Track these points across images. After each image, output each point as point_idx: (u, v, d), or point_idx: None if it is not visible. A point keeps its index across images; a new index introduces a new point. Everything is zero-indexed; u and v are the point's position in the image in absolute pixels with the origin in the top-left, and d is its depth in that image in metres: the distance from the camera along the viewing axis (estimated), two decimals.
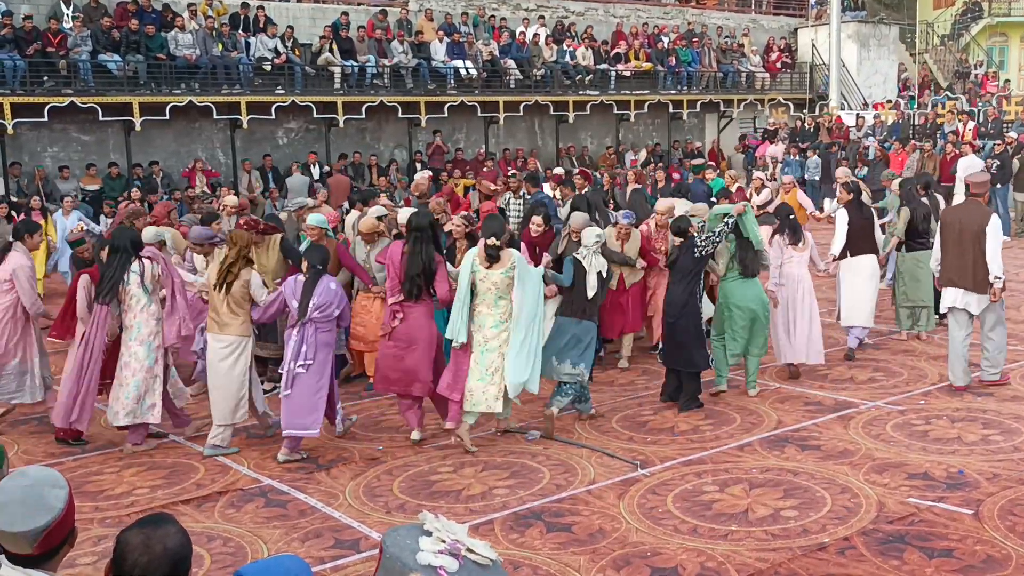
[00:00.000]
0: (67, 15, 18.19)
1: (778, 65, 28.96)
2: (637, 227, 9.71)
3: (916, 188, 10.74)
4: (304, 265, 7.26)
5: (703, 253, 8.11)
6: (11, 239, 8.16)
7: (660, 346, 9.05)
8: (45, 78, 17.50)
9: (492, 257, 7.15)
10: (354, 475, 6.85)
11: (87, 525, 5.96)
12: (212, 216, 9.94)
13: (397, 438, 7.65)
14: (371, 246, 8.86)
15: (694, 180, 15.00)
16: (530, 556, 5.43)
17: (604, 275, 7.79)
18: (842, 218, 9.86)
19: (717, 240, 8.14)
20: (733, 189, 14.16)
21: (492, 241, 7.14)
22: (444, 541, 2.12)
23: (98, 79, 18.03)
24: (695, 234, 8.23)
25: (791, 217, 9.18)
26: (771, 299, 8.69)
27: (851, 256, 9.84)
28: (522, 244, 9.06)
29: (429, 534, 2.15)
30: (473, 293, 7.27)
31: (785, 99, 28.60)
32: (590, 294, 7.67)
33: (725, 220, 8.25)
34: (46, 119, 17.57)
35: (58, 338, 7.87)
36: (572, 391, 7.70)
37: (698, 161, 22.71)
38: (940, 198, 11.33)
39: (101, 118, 18.10)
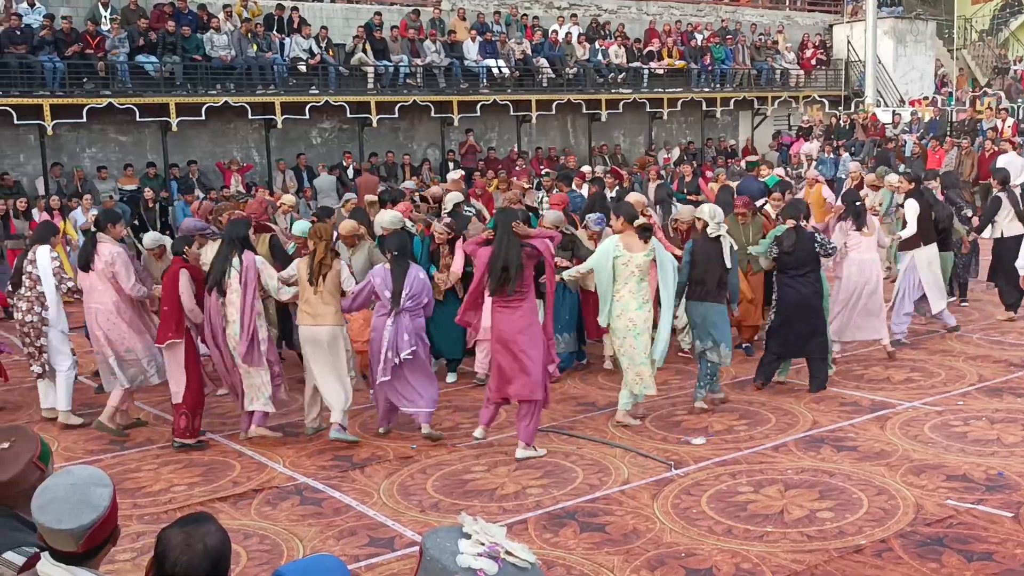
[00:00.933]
0: (105, 17, 18.41)
1: (813, 62, 28.71)
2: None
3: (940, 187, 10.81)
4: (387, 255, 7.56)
5: (824, 245, 8.48)
6: (94, 229, 8.29)
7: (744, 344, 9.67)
8: (84, 79, 17.73)
9: (646, 237, 7.53)
10: (388, 473, 6.89)
11: (126, 522, 6.04)
12: (327, 211, 10.57)
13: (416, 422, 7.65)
14: (352, 250, 8.81)
15: (747, 177, 14.92)
16: (564, 556, 5.43)
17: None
18: (911, 207, 10.05)
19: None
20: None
21: (643, 222, 7.60)
22: (483, 543, 2.13)
23: (135, 80, 18.24)
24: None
25: (857, 203, 9.45)
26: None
27: (924, 245, 9.95)
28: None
29: (468, 536, 2.16)
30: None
31: (820, 96, 28.35)
32: (728, 266, 7.96)
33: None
34: (85, 120, 17.80)
35: (174, 339, 7.51)
36: (710, 373, 8.07)
37: (753, 158, 22.51)
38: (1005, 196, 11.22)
39: (138, 119, 18.30)
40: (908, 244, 10.08)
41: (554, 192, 12.06)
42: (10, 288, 8.38)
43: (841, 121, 25.13)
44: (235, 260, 7.38)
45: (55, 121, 17.33)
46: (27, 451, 3.13)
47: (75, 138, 18.61)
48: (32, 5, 17.84)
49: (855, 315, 9.39)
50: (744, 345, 10.04)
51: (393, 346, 7.26)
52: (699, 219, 8.18)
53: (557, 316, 8.87)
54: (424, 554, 2.19)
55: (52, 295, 8.26)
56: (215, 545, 2.52)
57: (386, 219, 8.84)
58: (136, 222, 16.49)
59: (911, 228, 10.01)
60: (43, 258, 8.28)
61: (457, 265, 8.98)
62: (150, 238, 9.40)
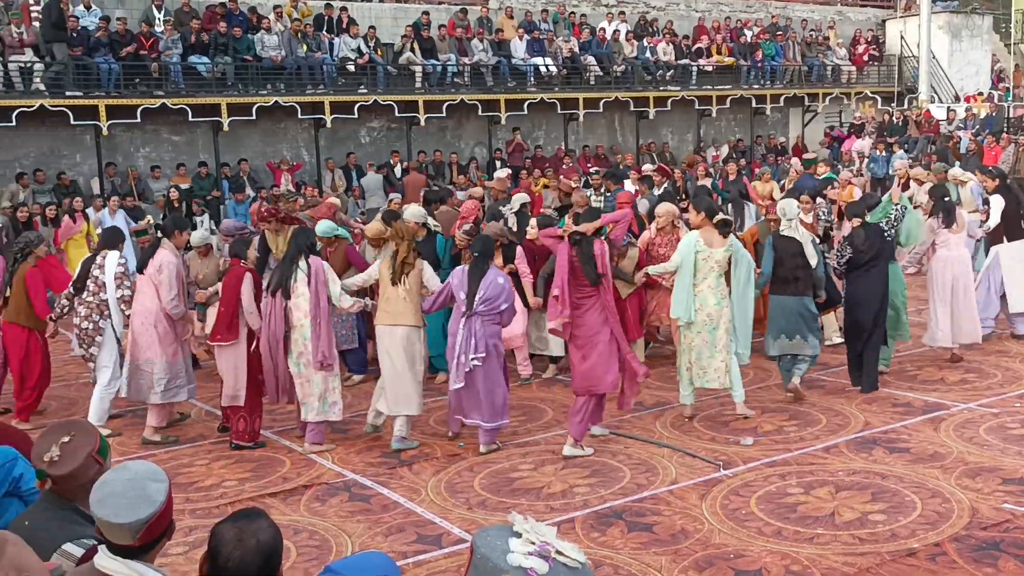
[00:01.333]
0: (159, 19, 18.69)
1: (865, 58, 28.29)
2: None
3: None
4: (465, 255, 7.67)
5: (890, 237, 8.58)
6: (159, 235, 8.29)
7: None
8: (137, 80, 18.03)
9: (726, 232, 7.67)
10: (436, 471, 6.92)
11: (179, 516, 6.12)
12: (393, 215, 10.50)
13: (478, 434, 7.69)
14: (378, 251, 8.53)
15: (804, 175, 14.79)
16: (611, 555, 5.42)
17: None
18: (996, 203, 10.10)
19: (895, 225, 8.74)
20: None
21: (723, 217, 7.74)
22: (534, 543, 2.13)
23: (188, 81, 18.51)
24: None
25: (946, 200, 9.42)
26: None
27: (1008, 241, 9.91)
28: (519, 250, 9.17)
29: (519, 535, 2.16)
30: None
31: (872, 92, 27.92)
32: (812, 262, 8.08)
33: (897, 207, 8.86)
34: (139, 120, 18.10)
35: (222, 341, 7.55)
36: (808, 363, 8.21)
37: (809, 155, 22.26)
38: None
39: (191, 119, 18.58)
40: (992, 239, 10.14)
41: (602, 190, 12.02)
42: (72, 291, 8.20)
43: (894, 118, 24.74)
44: (302, 263, 7.32)
45: (110, 121, 17.65)
46: (86, 445, 3.20)
47: (129, 138, 18.93)
48: (88, 7, 18.17)
49: (962, 317, 9.25)
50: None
51: (465, 351, 7.14)
52: (772, 218, 8.41)
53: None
54: (475, 552, 2.19)
55: (114, 303, 8.08)
56: (267, 541, 2.55)
57: (410, 213, 8.86)
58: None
59: (994, 221, 10.06)
60: (110, 264, 8.11)
61: (524, 267, 8.95)
62: (198, 236, 9.49)
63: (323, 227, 9.05)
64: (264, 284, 7.57)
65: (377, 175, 19.66)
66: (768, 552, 5.36)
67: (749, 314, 7.78)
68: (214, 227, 15.25)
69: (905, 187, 13.65)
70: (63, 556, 2.95)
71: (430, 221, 9.35)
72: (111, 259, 8.12)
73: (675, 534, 5.66)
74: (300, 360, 7.33)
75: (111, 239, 8.40)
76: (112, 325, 8.11)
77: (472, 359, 7.09)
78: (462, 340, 7.13)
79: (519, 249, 9.19)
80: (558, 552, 2.24)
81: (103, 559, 2.67)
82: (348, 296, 7.51)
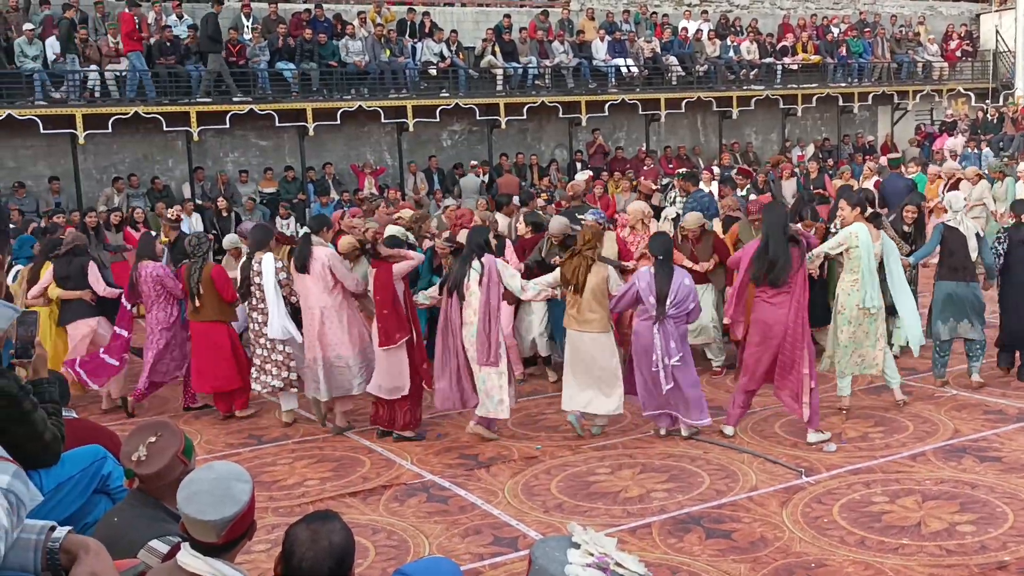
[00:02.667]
0: (247, 27, 19.15)
1: (958, 53, 27.46)
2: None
3: None
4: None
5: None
6: (308, 230, 8.31)
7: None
8: (223, 87, 18.48)
9: (878, 225, 8.09)
10: (513, 473, 6.94)
11: (262, 514, 6.27)
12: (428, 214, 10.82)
13: (555, 437, 7.70)
14: (353, 264, 8.43)
15: (890, 175, 14.46)
16: (688, 562, 5.36)
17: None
18: None
19: None
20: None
21: (874, 210, 8.16)
22: (592, 554, 2.12)
23: (275, 86, 18.93)
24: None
25: None
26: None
27: None
28: (508, 247, 9.26)
29: (578, 546, 2.16)
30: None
31: (965, 89, 27.09)
32: (973, 256, 8.47)
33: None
34: (228, 126, 18.57)
35: (400, 340, 7.57)
36: (980, 351, 8.57)
37: (895, 155, 21.75)
38: None
39: (277, 124, 18.99)
40: None
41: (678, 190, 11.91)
42: (239, 298, 8.41)
43: (988, 115, 23.95)
44: (475, 263, 7.38)
45: (200, 127, 18.14)
46: (172, 445, 3.31)
47: (219, 143, 19.43)
48: (180, 17, 18.71)
49: None
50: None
51: (666, 353, 7.18)
52: (940, 207, 9.02)
53: (557, 323, 8.90)
54: (533, 563, 2.20)
55: (274, 304, 8.05)
56: (339, 543, 2.60)
57: (406, 216, 8.99)
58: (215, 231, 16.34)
59: None
60: (267, 266, 8.08)
61: (514, 263, 8.98)
62: (229, 239, 9.78)
63: (391, 232, 9.20)
64: (441, 284, 7.74)
65: (475, 177, 19.72)
66: (851, 562, 5.25)
67: (912, 303, 8.24)
68: (297, 231, 15.52)
69: (955, 187, 13.33)
70: (149, 552, 3.05)
71: (399, 231, 9.29)
72: (267, 261, 8.11)
73: (754, 542, 5.58)
74: (469, 355, 7.49)
75: (261, 239, 8.31)
76: (278, 324, 8.09)
77: (675, 360, 7.19)
78: (660, 344, 7.16)
79: (508, 244, 9.41)
80: (617, 564, 2.22)
81: (186, 556, 2.75)
82: (532, 286, 7.58)
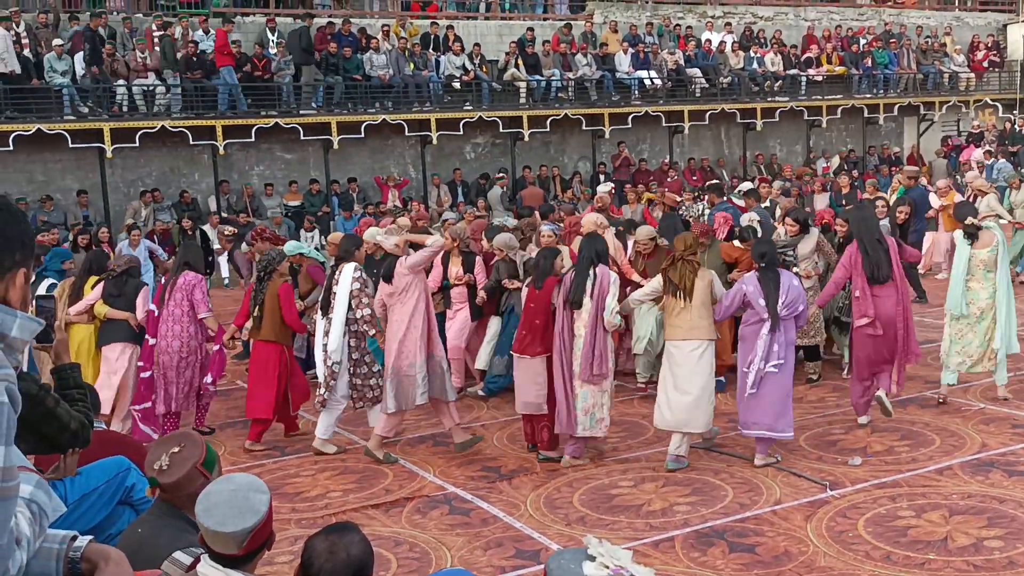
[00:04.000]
0: (272, 41, 19.33)
1: (985, 64, 27.27)
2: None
3: None
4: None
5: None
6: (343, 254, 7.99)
7: None
8: (249, 100, 18.65)
9: (971, 236, 8.30)
10: (535, 486, 6.92)
11: (284, 525, 6.29)
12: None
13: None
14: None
15: (917, 187, 14.43)
16: None
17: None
18: None
19: None
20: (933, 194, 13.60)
21: (971, 220, 8.35)
22: (608, 567, 2.11)
23: (299, 100, 19.08)
24: None
25: None
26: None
27: None
28: (477, 262, 9.37)
29: (593, 559, 2.15)
30: None
31: (992, 100, 26.89)
32: None
33: None
34: (253, 139, 18.73)
35: (542, 354, 7.35)
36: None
37: (910, 170, 21.61)
38: None
39: (302, 137, 19.13)
40: None
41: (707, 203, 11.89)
42: (320, 310, 7.93)
43: (1016, 126, 23.75)
44: (591, 273, 7.12)
45: (226, 141, 18.30)
46: (193, 456, 3.33)
47: (244, 156, 19.59)
48: (207, 32, 18.91)
49: None
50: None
51: (767, 357, 7.01)
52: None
53: (501, 339, 8.89)
54: (548, 575, 2.19)
55: (340, 317, 7.63)
56: (357, 555, 2.61)
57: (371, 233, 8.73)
58: (298, 238, 16.88)
59: None
60: (344, 276, 7.69)
61: (482, 278, 9.10)
62: (291, 245, 9.77)
63: (290, 246, 9.37)
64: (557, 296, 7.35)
65: (499, 188, 19.79)
66: None
67: (1013, 308, 8.46)
68: (322, 243, 15.61)
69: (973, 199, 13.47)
70: (173, 564, 3.07)
71: (306, 249, 9.70)
72: (346, 272, 7.72)
73: (778, 556, 5.54)
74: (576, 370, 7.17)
75: (349, 249, 7.86)
76: (336, 339, 7.65)
77: (772, 365, 7.01)
78: (763, 346, 7.02)
79: (478, 260, 9.44)
80: None
81: (206, 568, 2.76)
82: (619, 316, 7.32)
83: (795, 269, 8.75)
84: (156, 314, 8.30)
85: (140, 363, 8.39)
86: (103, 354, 8.46)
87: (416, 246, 7.83)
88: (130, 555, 3.14)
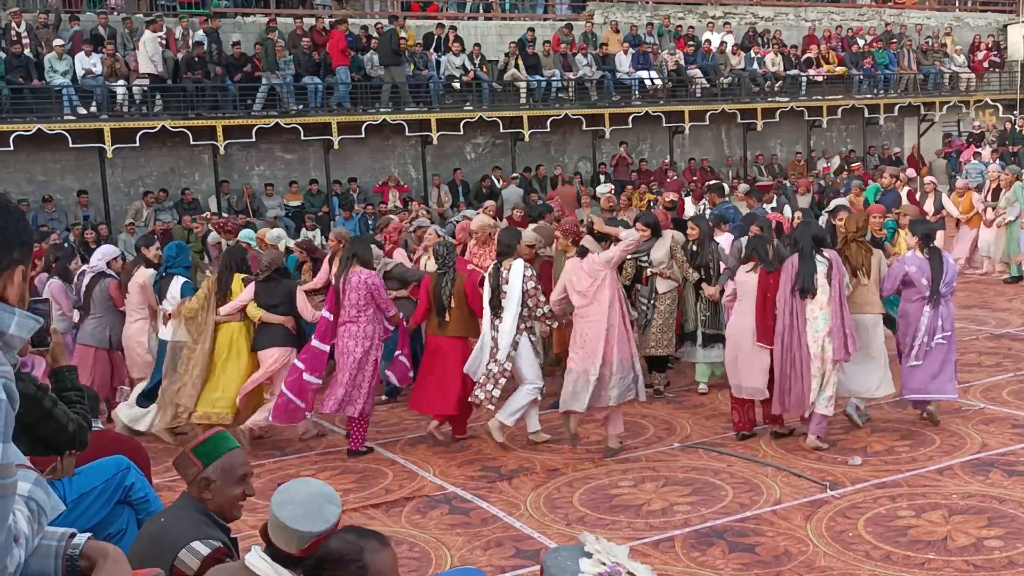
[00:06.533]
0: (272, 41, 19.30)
1: (985, 64, 27.27)
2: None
3: None
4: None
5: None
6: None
7: None
8: (248, 101, 18.65)
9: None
10: (535, 486, 6.92)
11: None
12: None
13: (578, 450, 7.67)
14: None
15: (893, 189, 14.38)
16: None
17: None
18: None
19: None
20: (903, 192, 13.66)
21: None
22: (604, 563, 2.11)
23: (299, 100, 19.07)
24: None
25: None
26: None
27: None
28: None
29: (590, 556, 2.15)
30: None
31: (993, 100, 26.89)
32: None
33: None
34: (254, 140, 18.73)
35: (770, 345, 7.53)
36: None
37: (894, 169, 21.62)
38: None
39: (303, 137, 19.13)
40: None
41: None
42: (488, 308, 7.67)
43: (1017, 126, 23.75)
44: (820, 257, 7.29)
45: (227, 141, 18.30)
46: (189, 443, 3.37)
47: (244, 157, 19.58)
48: (208, 33, 18.89)
49: None
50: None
51: (931, 331, 7.57)
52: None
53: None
54: (544, 572, 2.19)
55: (513, 315, 7.48)
56: (334, 546, 2.65)
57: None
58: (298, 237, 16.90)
59: None
60: (516, 274, 7.52)
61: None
62: (245, 233, 9.93)
63: (272, 235, 9.72)
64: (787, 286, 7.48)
65: (518, 188, 19.80)
66: None
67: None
68: (324, 242, 15.62)
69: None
70: (190, 552, 3.12)
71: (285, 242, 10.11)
72: (517, 269, 7.57)
73: (778, 556, 5.53)
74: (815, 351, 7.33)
75: (510, 244, 7.72)
76: (507, 335, 7.48)
77: (939, 338, 7.59)
78: (927, 322, 7.57)
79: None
80: (629, 573, 2.21)
81: (255, 558, 2.78)
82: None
83: (651, 270, 8.78)
84: (330, 320, 7.71)
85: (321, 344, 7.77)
86: (259, 358, 8.02)
87: (602, 237, 7.78)
88: (151, 541, 3.20)
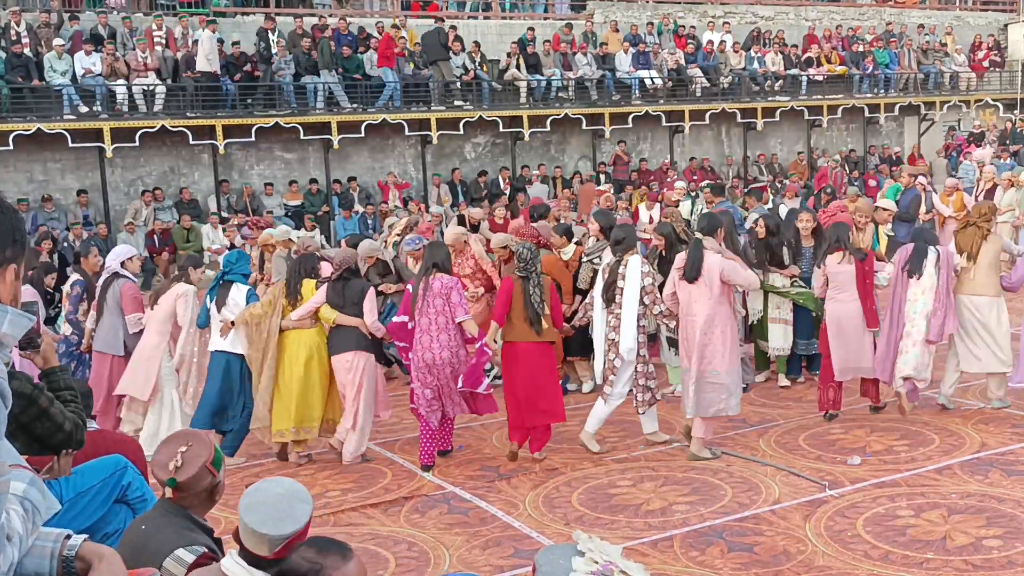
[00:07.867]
0: (272, 40, 19.32)
1: (985, 64, 27.25)
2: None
3: None
4: None
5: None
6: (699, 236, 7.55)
7: None
8: (248, 100, 18.64)
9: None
10: (534, 485, 6.92)
11: None
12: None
13: (577, 449, 7.66)
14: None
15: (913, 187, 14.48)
16: (710, 575, 5.32)
17: None
18: None
19: None
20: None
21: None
22: (597, 562, 2.11)
23: (299, 100, 19.07)
24: None
25: None
26: None
27: None
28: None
29: (582, 554, 2.14)
30: None
31: (993, 100, 26.87)
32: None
33: None
34: (253, 139, 18.73)
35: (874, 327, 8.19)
36: None
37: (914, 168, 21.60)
38: None
39: (302, 137, 19.12)
40: None
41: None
42: (604, 302, 7.39)
43: (1016, 126, 23.73)
44: (930, 249, 7.91)
45: (226, 140, 18.29)
46: (202, 455, 3.32)
47: (244, 156, 19.58)
48: (213, 32, 18.87)
49: None
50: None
51: None
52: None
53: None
54: (537, 571, 2.18)
55: (631, 312, 7.26)
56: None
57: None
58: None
59: None
60: (633, 269, 7.29)
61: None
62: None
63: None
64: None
65: (543, 185, 19.83)
66: None
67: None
68: (324, 242, 15.64)
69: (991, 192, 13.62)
70: (175, 561, 3.07)
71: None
72: (634, 264, 7.32)
73: (777, 555, 5.53)
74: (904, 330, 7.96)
75: (627, 239, 7.44)
76: (628, 332, 7.27)
77: None
78: None
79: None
80: (622, 572, 2.21)
81: (230, 563, 2.76)
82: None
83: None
84: (410, 326, 7.38)
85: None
86: (334, 364, 7.60)
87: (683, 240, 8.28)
88: (132, 551, 3.16)
